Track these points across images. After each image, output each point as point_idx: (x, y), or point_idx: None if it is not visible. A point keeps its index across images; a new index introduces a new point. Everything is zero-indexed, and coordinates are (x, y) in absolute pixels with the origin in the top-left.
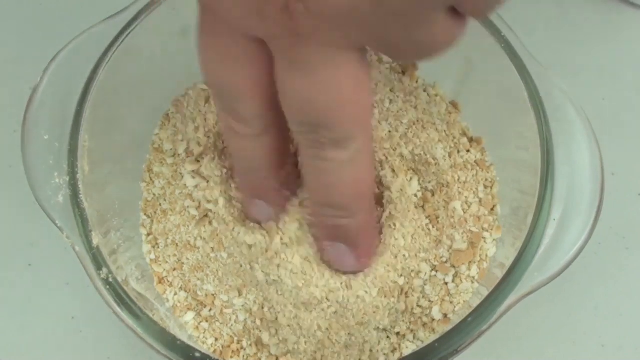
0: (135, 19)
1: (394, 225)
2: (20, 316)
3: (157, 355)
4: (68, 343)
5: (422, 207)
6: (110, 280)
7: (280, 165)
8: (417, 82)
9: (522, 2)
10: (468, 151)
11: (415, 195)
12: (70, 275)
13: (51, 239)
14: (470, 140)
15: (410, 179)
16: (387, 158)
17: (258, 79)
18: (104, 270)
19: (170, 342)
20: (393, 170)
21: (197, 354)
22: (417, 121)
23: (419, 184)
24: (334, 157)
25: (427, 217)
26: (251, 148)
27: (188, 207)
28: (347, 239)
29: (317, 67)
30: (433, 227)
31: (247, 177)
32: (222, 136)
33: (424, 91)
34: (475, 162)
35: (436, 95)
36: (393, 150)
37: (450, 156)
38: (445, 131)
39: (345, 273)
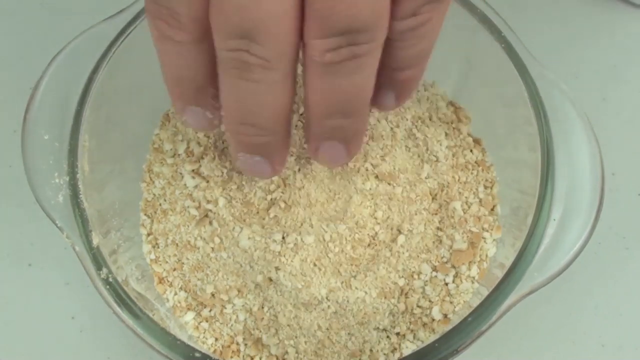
0: (135, 19)
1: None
2: (20, 316)
3: (157, 355)
4: (68, 343)
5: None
6: (110, 280)
7: (216, 73)
8: None
9: (522, 2)
10: (471, 151)
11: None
12: (70, 275)
13: (51, 239)
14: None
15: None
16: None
17: None
18: (104, 270)
19: (170, 342)
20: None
21: (197, 354)
22: (420, 118)
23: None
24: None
25: (436, 215)
26: (186, 56)
27: (188, 207)
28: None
29: None
30: (438, 228)
31: (180, 87)
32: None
33: (425, 90)
34: (476, 162)
35: (436, 95)
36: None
37: (453, 156)
38: (447, 130)
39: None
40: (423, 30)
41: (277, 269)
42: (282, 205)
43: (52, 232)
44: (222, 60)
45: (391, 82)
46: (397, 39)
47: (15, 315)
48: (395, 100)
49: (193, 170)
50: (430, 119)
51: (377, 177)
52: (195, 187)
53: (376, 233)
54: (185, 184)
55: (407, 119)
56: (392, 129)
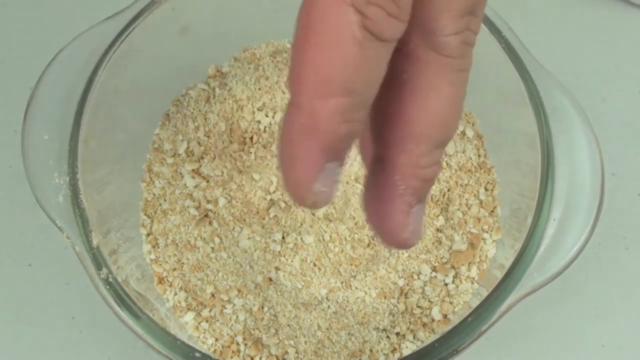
0: (135, 19)
1: None
2: (20, 316)
3: (157, 355)
4: (68, 343)
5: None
6: (110, 280)
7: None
8: None
9: (522, 2)
10: (478, 154)
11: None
12: (70, 275)
13: (51, 239)
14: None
15: None
16: None
17: None
18: (104, 270)
19: (171, 342)
20: None
21: (197, 354)
22: None
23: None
24: (462, 73)
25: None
26: (383, 63)
27: (188, 207)
28: (426, 193)
29: None
30: (437, 230)
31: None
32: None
33: None
34: (478, 164)
35: None
36: None
37: (458, 164)
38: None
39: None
40: None
41: (277, 269)
42: (282, 205)
43: (52, 232)
44: (446, 50)
45: None
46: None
47: (15, 315)
48: None
49: (193, 170)
50: None
51: None
52: (195, 187)
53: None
54: (185, 184)
55: None
56: None
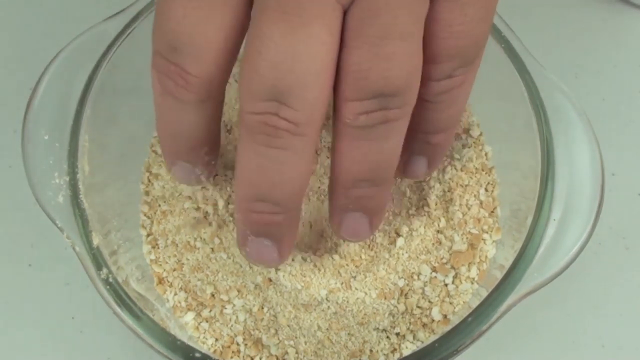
0: (135, 19)
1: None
2: (20, 316)
3: (157, 355)
4: (68, 343)
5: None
6: (111, 280)
7: (215, 135)
8: None
9: (522, 2)
10: (485, 155)
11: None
12: (70, 275)
13: (51, 239)
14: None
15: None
16: None
17: (230, 30)
18: (104, 270)
19: (171, 342)
20: None
21: (198, 354)
22: None
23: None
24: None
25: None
26: (187, 115)
27: (187, 208)
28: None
29: (311, 21)
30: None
31: (174, 143)
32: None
33: None
34: (478, 165)
35: None
36: None
37: (462, 168)
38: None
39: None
40: (457, 92)
41: (276, 269)
42: None
43: (52, 232)
44: (248, 124)
45: (423, 147)
46: (432, 100)
47: (15, 315)
48: (428, 167)
49: None
50: None
51: None
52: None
53: (375, 235)
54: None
55: None
56: None
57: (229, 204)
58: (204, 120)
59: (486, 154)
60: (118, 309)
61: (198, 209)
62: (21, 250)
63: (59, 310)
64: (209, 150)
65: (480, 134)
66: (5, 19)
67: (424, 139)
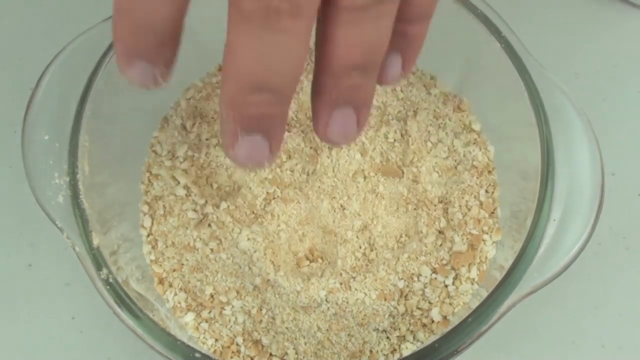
0: None
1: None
2: (20, 316)
3: (157, 355)
4: (68, 343)
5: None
6: (111, 280)
7: (180, 30)
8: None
9: (522, 2)
10: (487, 151)
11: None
12: (70, 275)
13: (51, 239)
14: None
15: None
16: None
17: None
18: (104, 270)
19: (171, 342)
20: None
21: (197, 355)
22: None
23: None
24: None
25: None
26: (158, 5)
27: (186, 210)
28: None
29: None
30: (438, 231)
31: (137, 38)
32: None
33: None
34: (479, 165)
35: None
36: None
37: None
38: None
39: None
40: None
41: (275, 271)
42: (280, 203)
43: (52, 232)
44: (244, 9)
45: (399, 40)
46: None
47: (16, 315)
48: (402, 68)
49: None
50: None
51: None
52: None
53: (375, 236)
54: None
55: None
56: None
57: (228, 206)
58: (175, 11)
59: (487, 155)
60: (118, 309)
61: (197, 210)
62: (21, 250)
63: (59, 310)
64: (173, 47)
65: (479, 138)
66: (5, 19)
67: (401, 29)
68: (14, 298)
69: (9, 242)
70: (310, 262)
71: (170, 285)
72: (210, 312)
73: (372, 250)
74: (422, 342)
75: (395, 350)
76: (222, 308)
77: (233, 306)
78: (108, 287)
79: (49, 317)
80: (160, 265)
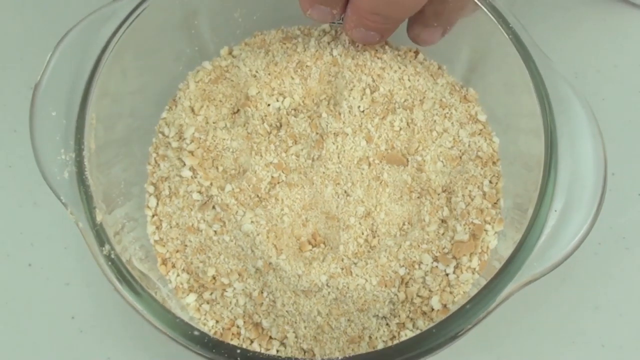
0: (144, 0)
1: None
2: (20, 316)
3: (158, 355)
4: (68, 343)
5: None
6: (112, 256)
7: None
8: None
9: (522, 2)
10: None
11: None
12: (70, 275)
13: (51, 239)
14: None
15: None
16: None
17: None
18: (107, 246)
19: (170, 319)
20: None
21: (196, 332)
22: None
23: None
24: None
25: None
26: None
27: (191, 191)
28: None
29: None
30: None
31: None
32: None
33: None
34: (483, 156)
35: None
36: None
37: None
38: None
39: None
40: None
41: (277, 255)
42: (285, 187)
43: (52, 232)
44: None
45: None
46: None
47: (15, 315)
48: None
49: (192, 153)
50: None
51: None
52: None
53: (377, 222)
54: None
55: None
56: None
57: (233, 189)
58: None
59: (492, 146)
60: (119, 285)
61: (202, 192)
62: (21, 250)
63: (59, 310)
64: None
65: (485, 128)
66: (5, 19)
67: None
68: (14, 298)
69: (9, 242)
70: (313, 246)
71: (173, 266)
72: (212, 293)
73: (374, 237)
74: (422, 330)
75: (394, 337)
76: (224, 290)
77: (235, 288)
78: (110, 262)
79: (48, 317)
80: (164, 245)
